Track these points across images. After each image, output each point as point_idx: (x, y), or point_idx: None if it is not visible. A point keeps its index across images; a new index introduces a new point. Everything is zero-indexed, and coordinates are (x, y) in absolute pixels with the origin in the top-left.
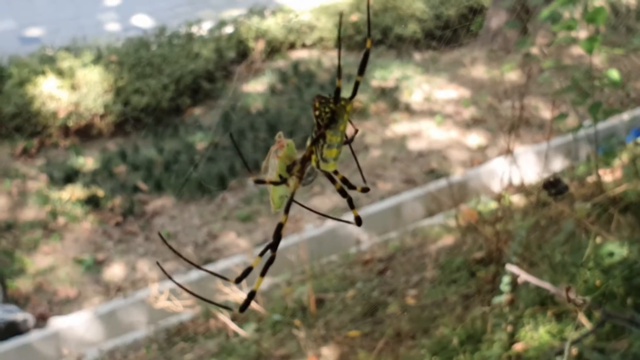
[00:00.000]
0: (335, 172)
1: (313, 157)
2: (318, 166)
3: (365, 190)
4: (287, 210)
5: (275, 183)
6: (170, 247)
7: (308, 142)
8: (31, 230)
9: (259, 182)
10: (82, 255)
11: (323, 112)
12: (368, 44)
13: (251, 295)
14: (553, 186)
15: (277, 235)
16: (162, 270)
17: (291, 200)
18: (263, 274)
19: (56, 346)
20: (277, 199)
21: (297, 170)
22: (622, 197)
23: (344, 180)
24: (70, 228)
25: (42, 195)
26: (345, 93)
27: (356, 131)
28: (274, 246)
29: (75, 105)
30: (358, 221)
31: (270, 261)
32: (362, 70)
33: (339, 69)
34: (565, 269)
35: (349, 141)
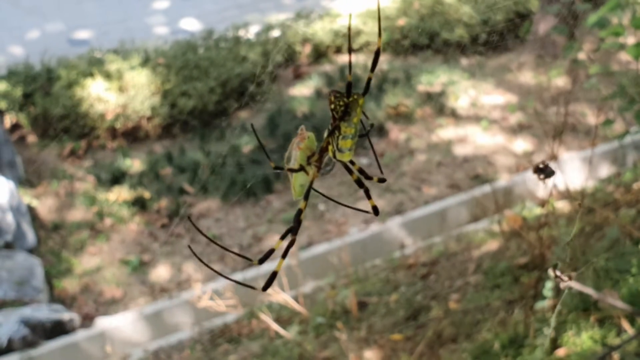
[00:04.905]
0: (352, 163)
1: (330, 147)
2: (334, 156)
3: (381, 180)
4: (306, 197)
5: (292, 170)
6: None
7: (325, 134)
8: (78, 231)
9: (277, 168)
10: (128, 256)
11: (337, 105)
12: (379, 43)
13: (273, 275)
14: (542, 171)
15: (297, 220)
16: (199, 258)
17: (310, 188)
18: (284, 255)
19: (101, 346)
20: (298, 187)
21: (315, 160)
22: None
23: (361, 171)
24: (116, 229)
25: (89, 196)
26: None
27: (371, 125)
28: (294, 230)
29: (122, 107)
30: (375, 211)
31: (291, 244)
32: (373, 68)
33: (350, 65)
34: (609, 275)
35: (365, 134)
